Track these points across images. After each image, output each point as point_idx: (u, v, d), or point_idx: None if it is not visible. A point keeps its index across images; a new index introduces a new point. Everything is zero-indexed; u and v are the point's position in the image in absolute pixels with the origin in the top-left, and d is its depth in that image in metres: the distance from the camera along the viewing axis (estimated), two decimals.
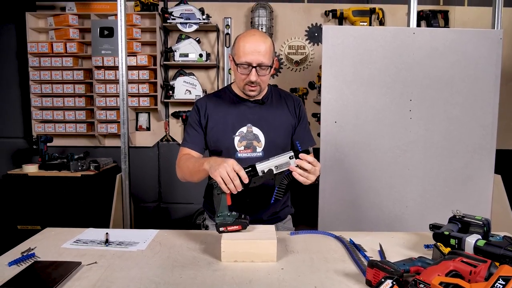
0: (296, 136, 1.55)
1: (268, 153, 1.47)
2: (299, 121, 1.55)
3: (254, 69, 1.37)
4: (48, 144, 2.96)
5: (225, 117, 1.50)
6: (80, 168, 2.77)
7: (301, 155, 1.24)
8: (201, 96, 1.63)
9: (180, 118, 3.31)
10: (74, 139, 3.38)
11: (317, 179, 1.29)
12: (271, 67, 1.41)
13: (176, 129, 3.41)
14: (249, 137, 1.49)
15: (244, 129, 1.49)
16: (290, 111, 1.54)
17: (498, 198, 2.49)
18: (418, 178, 2.45)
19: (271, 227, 1.31)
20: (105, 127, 3.23)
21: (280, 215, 1.62)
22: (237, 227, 1.23)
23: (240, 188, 1.21)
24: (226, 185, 1.19)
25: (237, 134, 1.49)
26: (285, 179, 1.28)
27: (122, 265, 1.17)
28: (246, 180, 1.21)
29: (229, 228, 1.23)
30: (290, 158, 1.25)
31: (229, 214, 1.24)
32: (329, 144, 2.44)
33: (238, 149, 1.49)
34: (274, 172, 1.25)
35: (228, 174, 1.19)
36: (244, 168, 1.23)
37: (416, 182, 2.45)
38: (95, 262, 1.18)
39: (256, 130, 1.49)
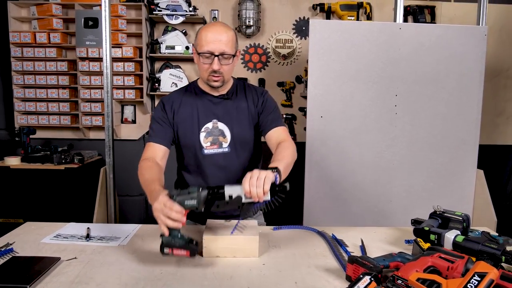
0: (261, 121, 1.50)
1: (235, 148, 1.48)
2: (263, 109, 1.51)
3: (216, 58, 1.36)
4: (31, 136, 2.91)
5: (191, 112, 1.48)
6: (63, 160, 2.73)
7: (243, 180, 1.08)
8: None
9: None
10: (58, 131, 3.32)
11: (281, 187, 1.13)
12: (234, 56, 1.39)
13: None
14: (215, 133, 1.47)
15: (209, 125, 1.47)
16: (254, 102, 1.51)
17: (481, 193, 2.53)
18: (402, 173, 2.47)
19: (253, 222, 1.31)
20: (89, 120, 3.18)
21: None
22: (184, 252, 1.08)
23: (181, 222, 1.07)
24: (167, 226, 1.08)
25: (202, 130, 1.46)
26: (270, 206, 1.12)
27: (102, 260, 1.16)
28: (183, 220, 1.07)
29: (174, 252, 1.08)
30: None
31: (179, 236, 1.09)
32: (315, 139, 2.45)
33: (204, 145, 1.46)
34: (243, 200, 1.09)
35: (162, 215, 1.08)
36: (212, 188, 1.11)
37: (401, 177, 2.47)
38: (75, 258, 1.17)
39: (221, 126, 1.47)
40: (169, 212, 1.06)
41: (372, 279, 0.89)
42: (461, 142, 2.49)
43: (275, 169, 1.16)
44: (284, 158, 1.28)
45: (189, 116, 1.47)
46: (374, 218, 2.44)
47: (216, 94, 1.48)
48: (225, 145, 1.47)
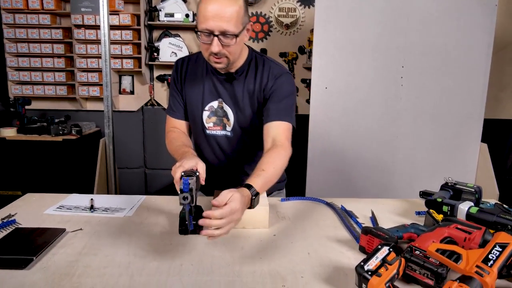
0: (265, 109, 1.30)
1: (235, 135, 1.37)
2: (270, 94, 1.29)
3: (216, 38, 1.14)
4: (26, 107, 2.83)
5: (198, 88, 1.35)
6: (61, 132, 2.67)
7: (204, 213, 0.90)
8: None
9: (166, 81, 3.20)
10: (54, 102, 3.24)
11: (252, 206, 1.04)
12: (237, 36, 1.16)
13: (161, 93, 3.30)
14: (219, 114, 1.36)
15: (215, 104, 1.35)
16: (262, 84, 1.30)
17: (483, 167, 2.52)
18: (406, 146, 2.45)
19: (263, 193, 1.28)
20: (86, 90, 3.09)
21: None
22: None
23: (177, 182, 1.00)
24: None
25: (206, 108, 1.36)
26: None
27: (109, 231, 1.13)
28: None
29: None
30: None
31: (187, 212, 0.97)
32: (318, 111, 2.40)
33: (206, 125, 1.37)
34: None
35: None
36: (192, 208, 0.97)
37: (405, 150, 2.45)
38: (80, 229, 1.14)
39: (226, 108, 1.35)
40: (173, 174, 1.04)
41: (391, 249, 0.86)
42: (466, 116, 2.46)
43: (253, 198, 1.02)
44: (268, 171, 1.10)
45: (195, 91, 1.37)
46: (377, 191, 2.43)
47: (223, 71, 1.30)
48: (229, 128, 1.37)
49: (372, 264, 0.83)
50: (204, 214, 0.90)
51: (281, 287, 0.86)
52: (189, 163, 1.07)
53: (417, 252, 0.88)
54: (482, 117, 2.46)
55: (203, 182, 1.10)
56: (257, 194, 1.03)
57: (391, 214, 1.31)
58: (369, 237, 1.01)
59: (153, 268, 0.93)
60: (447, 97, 2.43)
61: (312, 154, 2.40)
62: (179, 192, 0.93)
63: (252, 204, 1.02)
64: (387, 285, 0.79)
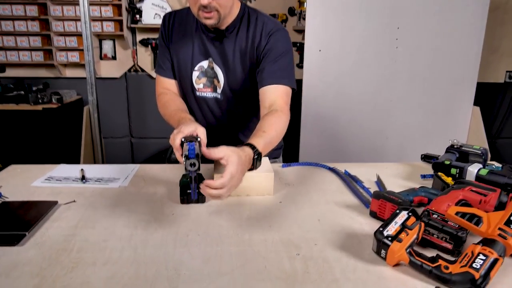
0: (259, 70, 1.20)
1: (226, 98, 1.28)
2: (264, 54, 1.19)
3: None
4: (0, 75, 2.65)
5: (187, 45, 1.25)
6: (40, 100, 2.52)
7: (205, 182, 0.86)
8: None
9: (150, 46, 3.03)
10: (31, 69, 3.04)
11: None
12: None
13: (145, 58, 3.14)
14: (209, 74, 1.26)
15: (204, 64, 1.25)
16: (254, 42, 1.20)
17: (475, 129, 2.53)
18: (400, 109, 2.42)
19: (265, 159, 1.22)
20: (65, 56, 2.91)
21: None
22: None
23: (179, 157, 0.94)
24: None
25: (196, 68, 1.26)
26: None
27: (105, 203, 1.06)
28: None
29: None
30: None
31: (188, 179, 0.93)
32: (312, 74, 2.33)
33: (196, 86, 1.28)
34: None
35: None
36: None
37: (398, 113, 2.43)
38: (74, 201, 1.06)
39: (216, 68, 1.25)
40: (172, 141, 0.96)
41: (410, 214, 0.83)
42: (459, 79, 2.43)
43: (256, 158, 0.98)
44: (270, 133, 1.05)
45: (184, 50, 1.27)
46: (371, 155, 2.42)
47: (213, 28, 1.20)
48: (219, 90, 1.27)
49: (391, 229, 0.80)
50: (205, 183, 0.85)
51: (295, 255, 0.82)
52: (188, 129, 1.00)
53: (435, 215, 0.85)
54: (475, 80, 2.44)
55: (205, 149, 1.04)
56: (259, 154, 0.98)
57: (395, 178, 1.28)
58: (381, 201, 0.97)
59: (158, 240, 0.87)
60: (441, 60, 2.39)
61: (305, 119, 2.35)
62: (182, 159, 0.86)
63: (254, 165, 0.96)
64: (408, 250, 0.76)
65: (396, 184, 1.22)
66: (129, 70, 3.17)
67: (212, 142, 1.33)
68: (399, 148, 2.44)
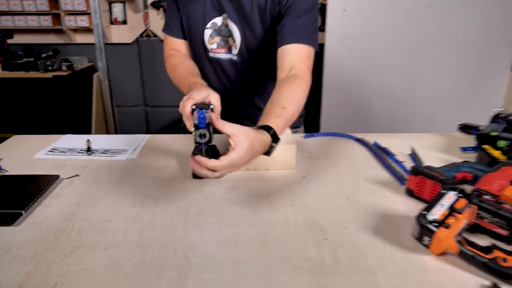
0: (280, 27, 1.05)
1: (243, 60, 1.13)
2: (286, 9, 1.05)
3: None
4: (9, 41, 2.56)
5: (197, 1, 1.12)
6: (50, 68, 2.43)
7: (197, 158, 0.71)
8: None
9: (161, 8, 2.87)
10: (39, 35, 2.94)
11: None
12: None
13: (157, 22, 2.98)
14: (224, 33, 1.12)
15: (218, 20, 1.11)
16: None
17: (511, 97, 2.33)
18: (430, 76, 2.23)
19: (286, 129, 1.10)
20: (73, 20, 2.79)
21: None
22: None
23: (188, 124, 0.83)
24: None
25: (208, 26, 1.12)
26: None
27: (110, 177, 0.97)
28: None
29: None
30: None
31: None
32: (335, 36, 2.15)
33: (209, 46, 1.14)
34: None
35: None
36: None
37: (428, 80, 2.24)
38: (77, 175, 0.97)
39: (232, 25, 1.11)
40: (182, 109, 0.85)
41: (460, 195, 0.70)
42: (495, 42, 2.21)
43: (275, 142, 0.82)
44: (290, 109, 0.88)
45: (194, 4, 1.13)
46: (396, 125, 2.26)
47: None
48: (235, 51, 1.13)
49: (437, 213, 0.68)
50: (197, 159, 0.71)
51: (322, 240, 0.71)
52: (200, 94, 0.88)
53: (487, 196, 0.72)
54: None
55: (219, 117, 0.92)
56: (277, 140, 0.83)
57: (431, 151, 1.14)
58: (420, 178, 0.85)
59: (167, 221, 0.78)
60: (476, 21, 2.16)
61: (327, 86, 2.19)
62: (192, 129, 0.75)
63: (269, 151, 0.83)
64: (457, 238, 0.64)
65: (433, 157, 1.09)
66: (141, 35, 3.03)
67: (226, 108, 1.21)
68: (429, 117, 2.27)
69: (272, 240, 0.71)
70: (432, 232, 0.65)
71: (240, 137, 0.72)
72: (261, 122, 0.83)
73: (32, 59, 2.51)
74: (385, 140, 1.20)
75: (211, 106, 0.89)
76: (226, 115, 1.22)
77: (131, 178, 0.96)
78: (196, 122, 0.68)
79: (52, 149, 1.14)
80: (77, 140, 1.21)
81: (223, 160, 0.71)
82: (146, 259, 0.66)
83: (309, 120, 1.68)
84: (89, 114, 2.08)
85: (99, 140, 1.21)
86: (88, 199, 0.86)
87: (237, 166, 0.73)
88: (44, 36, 2.94)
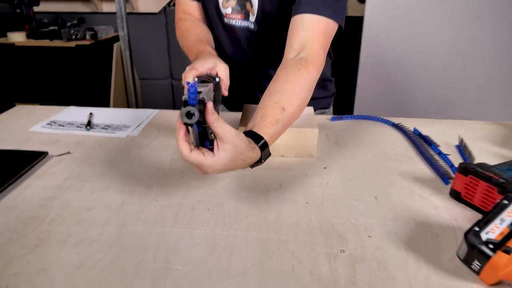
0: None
1: (261, 28, 0.96)
2: None
3: None
4: (35, 9, 2.50)
5: None
6: (74, 36, 2.36)
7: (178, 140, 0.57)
8: None
9: None
10: (66, 3, 2.87)
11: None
12: None
13: None
14: None
15: None
16: None
17: None
18: (484, 53, 1.96)
19: (309, 109, 0.94)
20: None
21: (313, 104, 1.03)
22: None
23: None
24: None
25: None
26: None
27: (104, 157, 0.86)
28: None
29: None
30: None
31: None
32: (376, 8, 1.92)
33: (223, 11, 0.98)
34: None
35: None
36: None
37: (482, 58, 1.97)
38: (68, 152, 0.87)
39: None
40: (184, 82, 0.73)
41: None
42: None
43: (263, 159, 0.65)
44: (289, 111, 0.69)
45: None
46: (441, 109, 2.03)
47: None
48: (252, 18, 0.96)
49: (494, 231, 0.51)
50: (179, 139, 0.56)
51: (338, 252, 0.57)
52: (205, 65, 0.74)
53: None
54: None
55: (225, 92, 0.78)
56: (267, 156, 0.66)
57: (485, 143, 0.95)
58: (470, 178, 0.67)
59: (154, 214, 0.65)
60: None
61: (365, 62, 1.98)
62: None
63: (252, 166, 0.65)
64: None
65: (487, 151, 0.90)
66: (169, 4, 2.89)
67: (238, 78, 1.06)
68: (479, 101, 2.01)
69: (276, 248, 0.57)
70: (487, 256, 0.49)
71: (227, 145, 0.56)
72: (254, 126, 0.65)
73: (56, 28, 2.45)
74: (427, 127, 1.01)
75: (217, 79, 0.75)
76: (237, 86, 1.09)
77: (126, 158, 0.85)
78: (186, 97, 0.54)
79: (51, 122, 1.05)
80: (80, 113, 1.11)
81: (191, 157, 0.56)
82: (119, 262, 0.54)
83: (341, 100, 1.50)
84: (109, 87, 2.00)
85: (103, 114, 1.11)
86: (73, 181, 0.75)
87: (204, 171, 0.58)
88: (70, 4, 2.87)
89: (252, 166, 0.64)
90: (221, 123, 0.56)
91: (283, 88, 0.70)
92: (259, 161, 0.64)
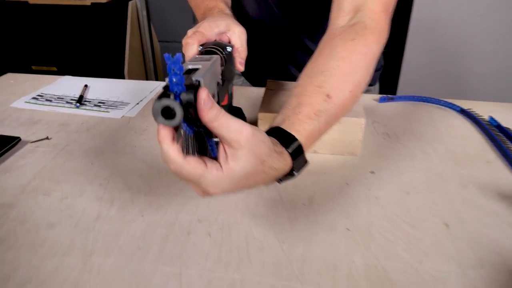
0: None
1: None
2: None
3: None
4: None
5: None
6: None
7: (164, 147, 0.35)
8: None
9: None
10: None
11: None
12: None
13: None
14: None
15: None
16: None
17: None
18: None
19: None
20: None
21: None
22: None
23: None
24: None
25: None
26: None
27: (88, 145, 0.68)
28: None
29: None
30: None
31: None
32: None
33: None
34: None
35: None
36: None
37: None
38: (46, 138, 0.70)
39: None
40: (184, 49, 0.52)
41: None
42: None
43: (295, 170, 0.42)
44: (338, 98, 0.46)
45: None
46: (500, 89, 1.72)
47: None
48: None
49: None
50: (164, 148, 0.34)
51: None
52: (214, 27, 0.55)
53: None
54: None
55: (241, 67, 0.57)
56: (303, 164, 0.44)
57: None
58: None
59: (135, 237, 0.48)
60: None
61: (415, 29, 1.68)
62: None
63: (280, 180, 0.43)
64: None
65: None
66: None
67: (265, 48, 0.84)
68: None
69: None
70: None
71: (240, 152, 0.35)
72: (285, 120, 0.43)
73: None
74: (506, 114, 0.77)
75: (228, 49, 0.54)
76: (263, 58, 0.87)
77: (115, 149, 0.67)
78: (167, 80, 0.34)
79: (39, 95, 0.88)
80: (75, 85, 0.93)
81: (190, 165, 0.35)
82: None
83: (386, 74, 1.24)
84: (124, 50, 1.82)
85: (100, 87, 0.93)
86: (42, 181, 0.58)
87: (205, 191, 0.36)
88: None
89: (279, 180, 0.43)
90: (225, 119, 0.34)
91: (329, 66, 0.48)
92: (290, 174, 0.42)
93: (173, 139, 0.34)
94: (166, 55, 0.32)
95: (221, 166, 0.35)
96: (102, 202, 0.54)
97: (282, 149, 0.40)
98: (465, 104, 0.81)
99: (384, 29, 0.54)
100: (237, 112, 0.63)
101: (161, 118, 0.31)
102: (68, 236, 0.48)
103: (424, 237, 0.48)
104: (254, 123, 0.67)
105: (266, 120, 0.63)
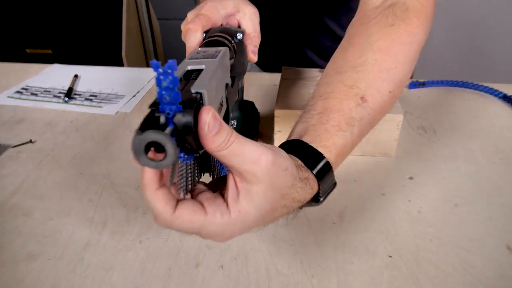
0: None
1: None
2: None
3: None
4: None
5: None
6: None
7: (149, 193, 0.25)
8: None
9: None
10: None
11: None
12: None
13: None
14: None
15: None
16: None
17: None
18: None
19: None
20: None
21: None
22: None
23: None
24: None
25: None
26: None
27: (78, 150, 0.59)
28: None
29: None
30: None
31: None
32: None
33: None
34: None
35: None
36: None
37: None
38: (30, 141, 0.61)
39: None
40: (183, 37, 0.43)
41: None
42: None
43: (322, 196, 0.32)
44: (373, 101, 0.36)
45: None
46: None
47: None
48: None
49: None
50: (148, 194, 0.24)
51: None
52: (220, 9, 0.44)
53: None
54: None
55: (254, 57, 0.47)
56: (332, 187, 0.34)
57: None
58: None
59: (132, 273, 0.39)
60: None
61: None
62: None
63: (307, 205, 0.33)
64: None
65: None
66: None
67: (278, 29, 0.74)
68: None
69: None
70: None
71: (256, 188, 0.25)
72: (308, 130, 0.34)
73: None
74: None
75: (239, 36, 0.44)
76: (276, 40, 0.76)
77: (108, 154, 0.58)
78: (157, 95, 0.24)
79: (23, 88, 0.78)
80: (64, 75, 0.84)
81: (183, 217, 0.25)
82: None
83: None
84: (121, 30, 1.70)
85: (92, 76, 0.83)
86: (22, 198, 0.50)
87: (216, 238, 0.27)
88: None
89: (301, 207, 0.34)
90: (238, 146, 0.25)
91: (364, 60, 0.38)
92: (315, 199, 0.33)
93: (160, 181, 0.24)
94: (153, 62, 0.22)
95: (228, 207, 0.26)
96: (92, 224, 0.45)
97: (307, 174, 0.30)
98: (508, 89, 0.71)
99: (431, 10, 0.43)
100: (249, 108, 0.54)
101: (144, 159, 0.22)
102: (52, 271, 0.40)
103: (482, 265, 0.39)
104: (269, 118, 0.58)
105: (283, 118, 0.53)
